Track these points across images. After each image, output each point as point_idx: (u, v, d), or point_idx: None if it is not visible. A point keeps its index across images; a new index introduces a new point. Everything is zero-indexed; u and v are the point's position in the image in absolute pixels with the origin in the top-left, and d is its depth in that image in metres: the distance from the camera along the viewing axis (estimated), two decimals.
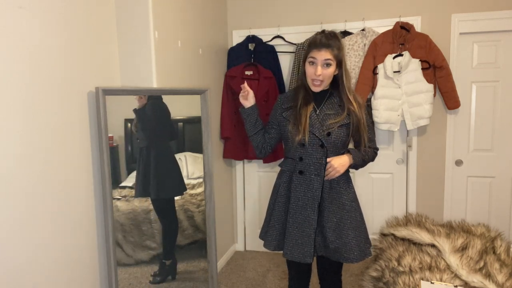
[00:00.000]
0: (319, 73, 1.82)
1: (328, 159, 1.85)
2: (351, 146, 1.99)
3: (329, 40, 1.82)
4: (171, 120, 2.43)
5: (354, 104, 1.89)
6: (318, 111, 1.92)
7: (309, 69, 1.87)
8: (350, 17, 3.29)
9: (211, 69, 3.14)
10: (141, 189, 2.26)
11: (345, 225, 1.90)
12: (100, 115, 1.94)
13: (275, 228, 2.00)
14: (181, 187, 2.50)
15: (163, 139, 2.42)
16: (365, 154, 1.97)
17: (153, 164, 2.29)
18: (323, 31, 1.89)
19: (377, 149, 2.05)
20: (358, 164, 1.94)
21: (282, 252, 1.98)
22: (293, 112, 1.92)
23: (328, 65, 1.83)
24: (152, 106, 2.28)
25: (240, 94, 2.01)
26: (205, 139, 2.58)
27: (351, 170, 1.99)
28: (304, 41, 3.27)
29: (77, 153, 1.89)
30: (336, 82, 1.92)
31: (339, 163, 1.85)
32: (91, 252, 1.99)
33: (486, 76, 3.15)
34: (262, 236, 2.08)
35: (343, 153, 1.91)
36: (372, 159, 2.04)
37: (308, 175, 1.91)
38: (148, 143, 2.28)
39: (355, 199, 1.97)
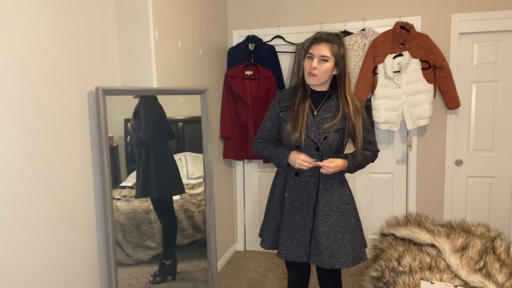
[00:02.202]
0: (314, 65, 1.83)
1: (326, 161, 1.85)
2: (350, 146, 1.99)
3: (329, 35, 1.85)
4: (167, 120, 2.42)
5: (350, 106, 1.87)
6: (315, 112, 1.91)
7: (306, 64, 1.88)
8: (350, 17, 3.29)
9: (211, 69, 3.14)
10: (141, 189, 2.25)
11: (340, 228, 1.89)
12: (100, 115, 1.94)
13: (270, 227, 2.02)
14: (179, 187, 2.49)
15: (160, 139, 2.41)
16: (363, 158, 1.96)
17: (152, 164, 2.29)
18: None
19: (377, 151, 2.05)
20: (351, 170, 1.94)
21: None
22: (290, 112, 1.92)
23: (324, 61, 1.84)
24: (144, 106, 2.27)
25: (306, 165, 1.85)
26: (205, 139, 2.58)
27: None
28: (304, 41, 3.27)
29: (77, 153, 1.89)
30: (336, 84, 1.91)
31: (334, 164, 1.84)
32: (91, 252, 1.99)
33: (486, 76, 3.15)
34: (260, 234, 2.10)
35: (340, 157, 1.90)
36: (372, 161, 2.04)
37: (304, 177, 1.91)
38: (141, 143, 2.27)
39: (350, 202, 1.96)
